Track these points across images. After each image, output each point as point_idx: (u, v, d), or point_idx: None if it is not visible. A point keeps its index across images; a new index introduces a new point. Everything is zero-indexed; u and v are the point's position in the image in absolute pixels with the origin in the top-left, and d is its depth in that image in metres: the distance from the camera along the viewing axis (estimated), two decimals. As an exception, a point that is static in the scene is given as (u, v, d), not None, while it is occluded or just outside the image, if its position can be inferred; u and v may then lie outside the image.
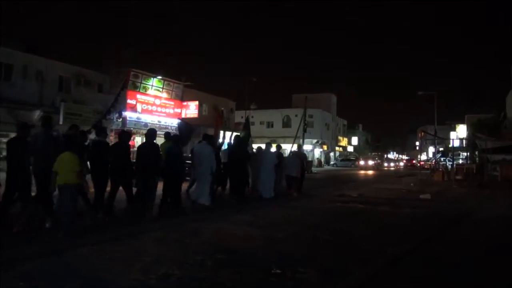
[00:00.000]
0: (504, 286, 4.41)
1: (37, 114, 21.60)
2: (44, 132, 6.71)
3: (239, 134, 12.91)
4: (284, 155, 14.21)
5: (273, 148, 13.12)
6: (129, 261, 4.74)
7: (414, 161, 53.31)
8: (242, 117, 37.26)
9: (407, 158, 76.28)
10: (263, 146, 12.66)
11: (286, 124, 50.39)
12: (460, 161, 33.37)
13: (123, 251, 5.23)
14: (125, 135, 7.97)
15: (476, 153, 26.60)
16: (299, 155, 13.72)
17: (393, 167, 52.51)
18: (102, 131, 7.91)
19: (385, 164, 52.72)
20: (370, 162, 47.31)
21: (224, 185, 11.31)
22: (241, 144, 11.65)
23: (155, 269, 4.45)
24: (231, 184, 10.92)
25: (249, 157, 11.62)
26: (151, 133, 8.26)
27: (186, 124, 13.64)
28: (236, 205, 9.83)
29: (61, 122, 20.32)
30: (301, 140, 16.25)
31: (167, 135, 9.89)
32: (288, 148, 17.07)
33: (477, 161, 25.16)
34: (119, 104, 24.57)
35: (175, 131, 27.62)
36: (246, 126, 13.40)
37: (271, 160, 11.85)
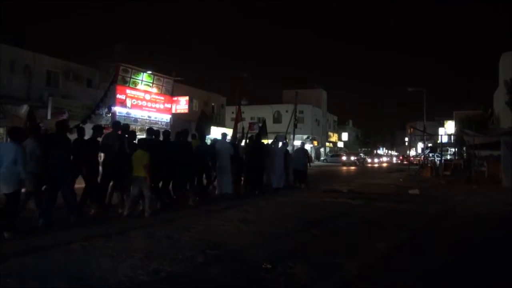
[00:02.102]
0: (484, 276, 4.51)
1: (24, 108, 21.20)
2: (113, 133, 7.94)
3: (256, 133, 13.77)
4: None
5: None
6: (118, 257, 4.71)
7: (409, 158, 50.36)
8: (232, 112, 37.15)
9: (397, 154, 76.83)
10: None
11: (277, 119, 50.39)
12: (448, 157, 33.80)
13: (113, 247, 5.19)
14: (166, 133, 9.05)
15: (464, 148, 26.95)
16: (304, 150, 14.77)
17: (377, 163, 52.03)
18: (151, 131, 8.99)
19: (369, 160, 51.38)
20: (352, 158, 44.36)
21: (246, 178, 11.92)
22: (261, 142, 12.64)
23: (145, 265, 4.43)
24: (253, 178, 11.64)
25: (267, 154, 12.39)
26: (185, 133, 9.45)
27: (206, 116, 14.71)
28: (256, 196, 10.85)
29: (49, 117, 20.01)
30: (291, 136, 16.41)
31: (194, 135, 10.74)
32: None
33: (465, 157, 25.51)
34: (108, 99, 24.27)
35: (165, 127, 27.54)
36: (263, 127, 14.56)
37: (280, 155, 12.68)
